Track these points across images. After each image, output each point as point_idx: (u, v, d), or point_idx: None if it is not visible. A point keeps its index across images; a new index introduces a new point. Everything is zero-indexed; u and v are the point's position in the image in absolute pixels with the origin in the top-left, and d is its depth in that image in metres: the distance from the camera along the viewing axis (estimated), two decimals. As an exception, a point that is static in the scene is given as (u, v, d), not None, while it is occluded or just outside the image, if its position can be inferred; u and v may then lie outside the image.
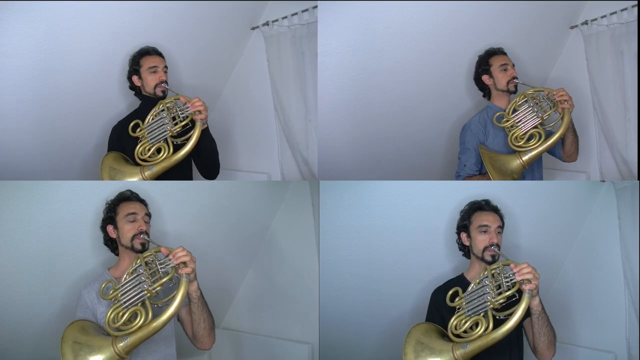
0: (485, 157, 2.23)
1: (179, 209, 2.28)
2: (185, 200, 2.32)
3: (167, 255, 1.79)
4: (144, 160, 2.12)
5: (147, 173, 2.10)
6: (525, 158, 2.20)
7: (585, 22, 2.71)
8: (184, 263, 1.75)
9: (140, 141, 2.14)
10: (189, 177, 2.31)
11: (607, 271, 2.40)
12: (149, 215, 1.98)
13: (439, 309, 1.99)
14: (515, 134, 2.22)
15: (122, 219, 1.93)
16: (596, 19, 2.65)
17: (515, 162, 2.21)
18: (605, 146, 2.68)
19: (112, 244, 1.98)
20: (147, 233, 1.92)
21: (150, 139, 2.13)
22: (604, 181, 2.58)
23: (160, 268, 1.78)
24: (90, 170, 2.45)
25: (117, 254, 1.98)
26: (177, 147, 2.12)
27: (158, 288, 1.77)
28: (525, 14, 2.64)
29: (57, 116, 2.32)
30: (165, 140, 2.12)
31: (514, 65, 2.36)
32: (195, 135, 2.09)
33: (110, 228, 1.95)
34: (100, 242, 2.00)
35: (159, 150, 2.12)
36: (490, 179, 2.21)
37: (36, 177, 2.31)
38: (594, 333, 2.44)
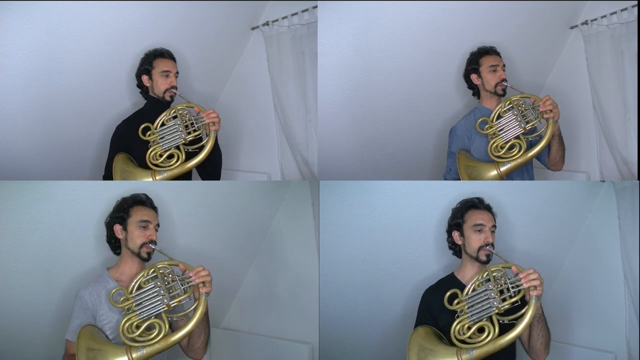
0: (461, 163, 2.18)
1: (178, 209, 2.28)
2: (185, 200, 2.32)
3: (184, 271, 1.81)
4: (156, 165, 2.13)
5: (158, 177, 2.11)
6: (503, 169, 2.13)
7: (585, 22, 2.71)
8: (204, 283, 1.78)
9: (151, 145, 2.14)
10: (187, 177, 2.31)
11: (607, 271, 2.40)
12: (158, 225, 1.97)
13: (431, 311, 1.96)
14: (496, 143, 2.15)
15: (133, 222, 1.91)
16: (596, 19, 2.65)
17: (492, 172, 2.14)
18: (605, 146, 2.68)
19: (114, 243, 1.95)
20: (155, 243, 1.92)
21: (163, 145, 2.13)
22: (604, 181, 2.58)
23: (181, 284, 1.80)
24: (91, 171, 2.45)
25: (117, 254, 1.96)
26: (188, 155, 2.14)
27: (176, 304, 1.80)
28: (525, 14, 2.64)
29: (58, 116, 2.33)
30: (178, 148, 2.14)
31: (504, 66, 2.29)
32: (209, 146, 2.12)
33: (118, 228, 1.92)
34: (100, 243, 1.99)
35: (169, 157, 2.14)
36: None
37: (37, 177, 2.31)
38: (594, 333, 2.44)
